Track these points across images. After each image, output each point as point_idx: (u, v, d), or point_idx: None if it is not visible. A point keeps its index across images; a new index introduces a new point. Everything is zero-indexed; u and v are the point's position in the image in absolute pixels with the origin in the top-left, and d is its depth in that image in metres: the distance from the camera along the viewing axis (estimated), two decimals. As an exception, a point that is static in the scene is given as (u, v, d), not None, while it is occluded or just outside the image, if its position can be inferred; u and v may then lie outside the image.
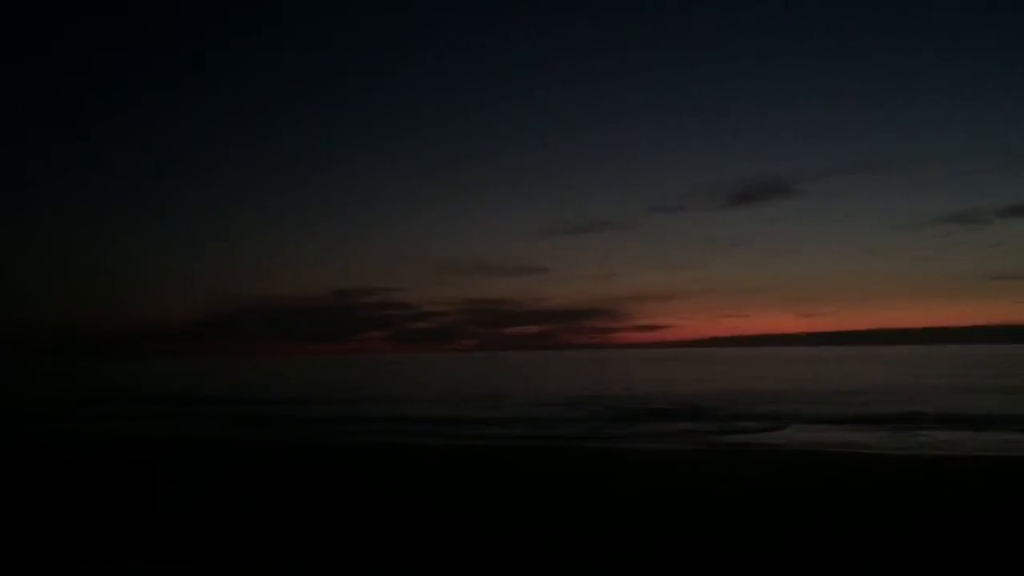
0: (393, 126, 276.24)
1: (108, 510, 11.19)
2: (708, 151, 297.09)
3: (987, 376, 64.10)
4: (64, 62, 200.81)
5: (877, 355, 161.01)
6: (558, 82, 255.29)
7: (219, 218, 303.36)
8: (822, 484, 13.16)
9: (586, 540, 8.83)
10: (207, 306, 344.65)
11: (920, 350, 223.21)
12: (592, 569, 7.69)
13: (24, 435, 26.59)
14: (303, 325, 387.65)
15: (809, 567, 7.70)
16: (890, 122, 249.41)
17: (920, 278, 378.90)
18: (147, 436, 25.81)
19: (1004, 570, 7.61)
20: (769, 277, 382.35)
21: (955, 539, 8.74)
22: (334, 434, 26.81)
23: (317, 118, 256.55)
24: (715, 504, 11.11)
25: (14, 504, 11.78)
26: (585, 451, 20.45)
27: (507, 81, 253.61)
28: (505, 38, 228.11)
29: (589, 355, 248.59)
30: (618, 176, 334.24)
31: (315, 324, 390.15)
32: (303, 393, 55.26)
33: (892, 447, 21.31)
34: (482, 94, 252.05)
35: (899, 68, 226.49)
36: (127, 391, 61.26)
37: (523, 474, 15.16)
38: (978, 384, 52.40)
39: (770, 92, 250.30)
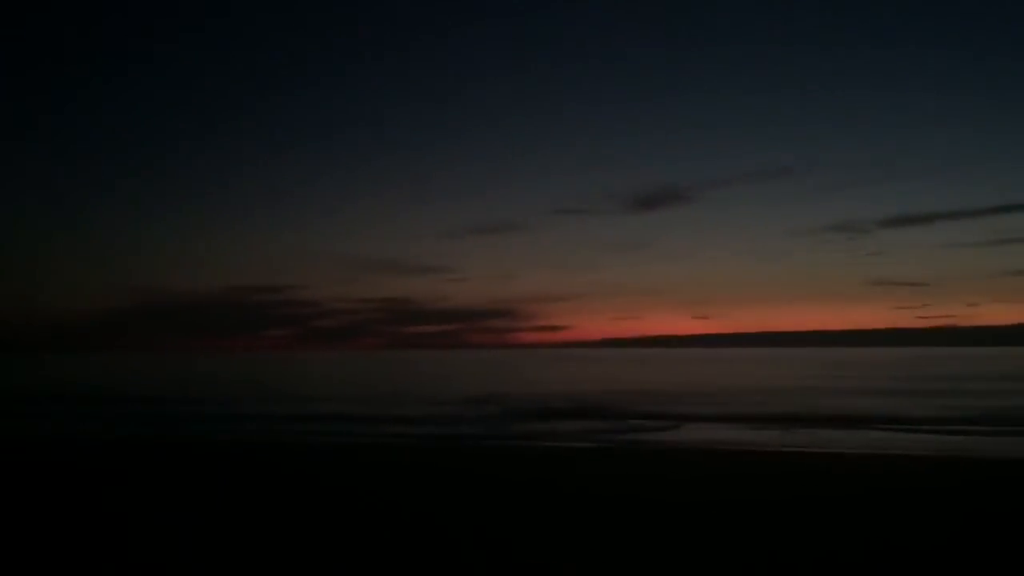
0: (298, 127, 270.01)
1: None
2: (613, 157, 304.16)
3: (865, 378, 67.54)
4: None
5: (765, 356, 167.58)
6: (464, 83, 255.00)
7: (123, 214, 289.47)
8: (723, 478, 13.20)
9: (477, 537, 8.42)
10: (109, 302, 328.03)
11: (805, 352, 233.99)
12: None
13: None
14: (206, 322, 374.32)
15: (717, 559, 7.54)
16: (784, 134, 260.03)
17: (806, 284, 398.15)
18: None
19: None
20: (665, 280, 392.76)
21: (858, 529, 8.78)
22: (220, 432, 25.52)
23: (223, 118, 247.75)
24: (613, 500, 10.91)
25: None
26: (482, 450, 20.07)
27: (412, 83, 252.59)
28: (407, 43, 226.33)
29: (490, 355, 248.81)
30: (522, 178, 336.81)
31: (219, 321, 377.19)
32: (192, 391, 52.92)
33: (781, 445, 21.76)
34: (387, 96, 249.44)
35: (793, 82, 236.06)
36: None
37: (411, 472, 14.62)
38: (857, 385, 55.07)
39: (673, 103, 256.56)
